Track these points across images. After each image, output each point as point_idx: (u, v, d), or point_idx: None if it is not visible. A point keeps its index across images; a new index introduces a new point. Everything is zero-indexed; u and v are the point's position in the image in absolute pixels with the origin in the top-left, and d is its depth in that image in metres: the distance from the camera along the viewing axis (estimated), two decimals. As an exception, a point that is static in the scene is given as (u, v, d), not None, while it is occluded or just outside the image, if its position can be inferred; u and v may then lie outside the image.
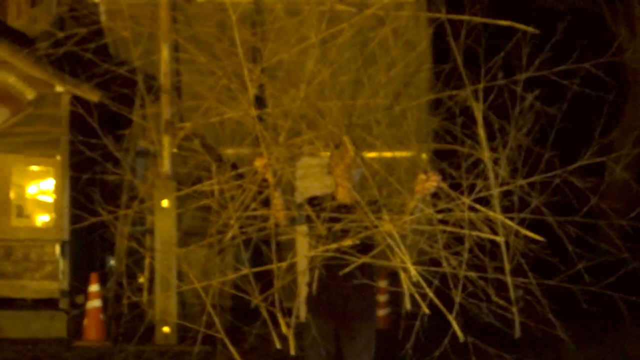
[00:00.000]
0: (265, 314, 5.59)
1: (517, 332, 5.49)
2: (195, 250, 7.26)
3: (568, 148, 6.77)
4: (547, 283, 6.08)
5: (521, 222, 5.65)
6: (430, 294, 5.12)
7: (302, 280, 6.13)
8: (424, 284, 5.15)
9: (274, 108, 6.18)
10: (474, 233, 5.51)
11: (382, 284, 12.41)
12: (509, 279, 5.46)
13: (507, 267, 5.45)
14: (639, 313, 8.11)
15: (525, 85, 6.11)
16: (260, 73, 6.18)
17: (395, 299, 12.87)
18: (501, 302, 5.76)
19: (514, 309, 5.51)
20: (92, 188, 12.04)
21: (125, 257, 11.97)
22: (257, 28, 8.23)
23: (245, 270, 5.66)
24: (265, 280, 5.83)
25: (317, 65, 5.89)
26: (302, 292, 6.16)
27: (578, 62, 6.54)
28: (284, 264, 5.70)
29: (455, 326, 5.12)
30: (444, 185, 5.68)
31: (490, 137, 5.79)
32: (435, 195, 5.75)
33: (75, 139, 12.24)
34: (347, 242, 5.53)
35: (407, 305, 5.28)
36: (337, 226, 5.72)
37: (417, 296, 5.14)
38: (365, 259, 5.55)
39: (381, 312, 12.83)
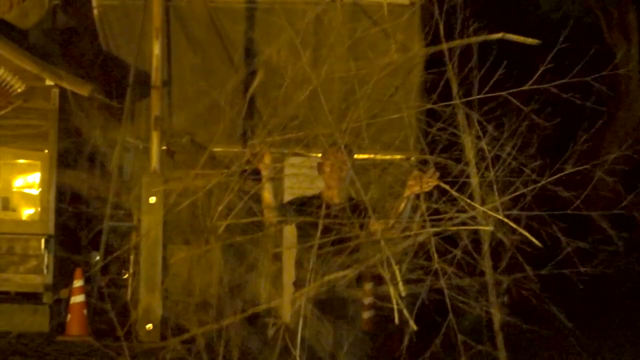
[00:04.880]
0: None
1: None
2: (181, 247, 7.22)
3: (556, 155, 6.77)
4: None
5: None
6: (406, 313, 4.98)
7: (288, 280, 6.10)
8: (401, 304, 5.04)
9: (266, 109, 6.12)
10: (463, 228, 5.42)
11: (367, 286, 12.38)
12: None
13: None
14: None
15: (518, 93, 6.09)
16: (253, 72, 6.15)
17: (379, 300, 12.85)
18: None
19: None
20: (79, 184, 12.01)
21: (111, 254, 11.93)
22: (249, 27, 8.21)
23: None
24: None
25: (311, 67, 5.85)
26: (288, 292, 6.12)
27: (572, 70, 6.51)
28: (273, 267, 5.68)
29: (412, 324, 5.03)
30: (443, 185, 5.49)
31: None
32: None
33: (64, 133, 12.20)
34: (341, 274, 5.48)
35: (397, 320, 5.11)
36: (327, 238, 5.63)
37: (405, 313, 5.01)
38: (353, 270, 5.51)
39: (365, 315, 12.80)
